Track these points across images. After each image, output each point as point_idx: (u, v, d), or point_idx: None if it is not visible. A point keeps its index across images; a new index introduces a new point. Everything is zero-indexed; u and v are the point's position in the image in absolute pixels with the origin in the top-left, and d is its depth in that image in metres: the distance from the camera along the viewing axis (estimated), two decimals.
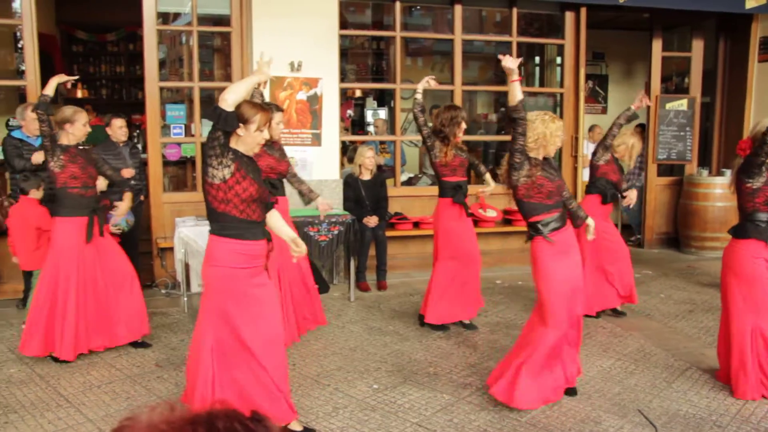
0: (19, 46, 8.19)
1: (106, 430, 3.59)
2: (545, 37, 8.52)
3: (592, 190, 5.50)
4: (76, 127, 4.48)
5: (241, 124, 3.16)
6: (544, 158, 3.80)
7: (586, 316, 5.01)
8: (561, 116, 7.62)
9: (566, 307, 3.73)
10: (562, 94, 7.61)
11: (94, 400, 3.96)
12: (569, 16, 7.44)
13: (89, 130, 4.61)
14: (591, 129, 8.62)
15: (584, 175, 7.73)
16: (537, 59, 9.36)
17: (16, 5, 7.61)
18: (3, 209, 5.71)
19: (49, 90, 4.45)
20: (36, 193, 5.09)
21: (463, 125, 5.10)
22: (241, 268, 3.24)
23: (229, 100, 3.04)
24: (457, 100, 7.15)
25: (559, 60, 8.03)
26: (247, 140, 3.23)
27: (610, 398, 3.99)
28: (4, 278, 6.03)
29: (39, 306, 4.45)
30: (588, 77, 8.75)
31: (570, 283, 3.75)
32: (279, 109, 4.73)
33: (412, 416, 3.76)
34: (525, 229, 3.88)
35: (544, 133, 3.70)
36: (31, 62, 6.03)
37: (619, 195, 5.54)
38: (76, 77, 4.53)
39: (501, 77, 9.65)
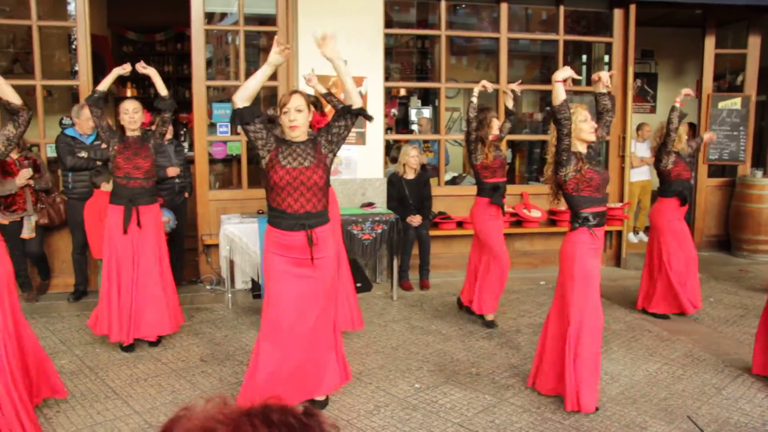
0: (73, 47, 8.42)
1: (152, 422, 3.66)
2: (592, 35, 8.37)
3: (668, 194, 5.47)
4: (121, 117, 4.66)
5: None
6: (588, 151, 3.75)
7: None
8: None
9: (594, 298, 3.70)
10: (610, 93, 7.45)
11: (141, 393, 4.04)
12: (618, 14, 7.29)
13: (134, 117, 4.66)
14: (639, 128, 8.43)
15: (632, 175, 7.59)
16: (584, 57, 9.20)
17: (71, 8, 7.83)
18: (55, 206, 5.88)
19: (103, 86, 4.56)
20: (107, 186, 5.25)
21: (495, 123, 5.18)
22: (280, 255, 3.40)
23: (236, 99, 3.31)
24: (502, 100, 7.06)
25: (606, 58, 7.87)
26: (282, 125, 3.45)
27: (656, 403, 3.90)
28: (56, 272, 6.20)
29: (101, 291, 4.65)
30: (636, 76, 8.56)
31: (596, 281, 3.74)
32: (323, 107, 4.77)
33: (453, 416, 3.73)
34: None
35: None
36: (84, 63, 6.19)
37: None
38: (127, 69, 4.60)
39: (546, 76, 9.54)
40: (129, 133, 4.67)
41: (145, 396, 4.00)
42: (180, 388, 4.13)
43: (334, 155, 3.55)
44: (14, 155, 5.62)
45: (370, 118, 3.52)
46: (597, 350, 3.72)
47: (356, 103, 3.44)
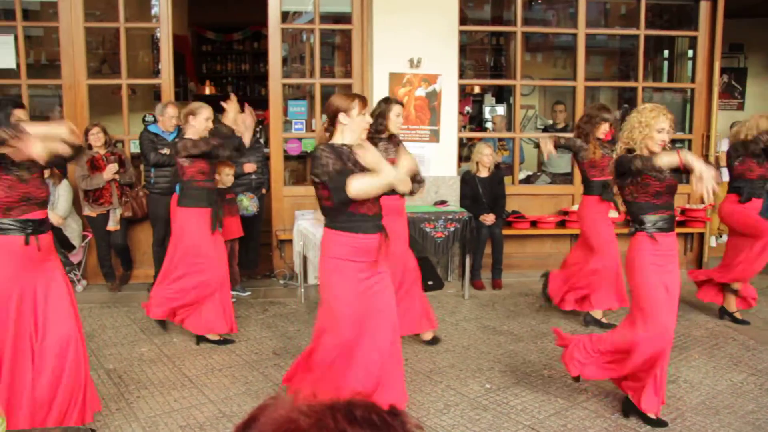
0: (156, 47, 8.72)
1: (226, 411, 3.75)
2: (676, 29, 8.07)
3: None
4: (198, 120, 4.66)
5: (342, 113, 3.32)
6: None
7: None
8: (691, 113, 7.20)
9: (665, 309, 3.52)
10: (693, 90, 7.18)
11: (215, 383, 4.15)
12: (704, 6, 6.98)
13: (211, 126, 4.75)
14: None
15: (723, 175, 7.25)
16: (665, 53, 8.87)
17: (155, 10, 8.12)
18: (138, 199, 6.11)
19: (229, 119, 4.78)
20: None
21: (603, 127, 5.07)
22: (356, 262, 3.33)
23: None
24: (579, 97, 6.92)
25: (690, 53, 7.57)
26: (353, 126, 3.34)
27: (742, 416, 3.71)
28: (137, 263, 6.44)
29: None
30: (723, 71, 8.18)
31: (665, 288, 3.56)
32: (398, 102, 4.76)
33: (524, 418, 3.67)
34: None
35: (640, 121, 3.56)
36: (166, 62, 6.40)
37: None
38: None
39: (624, 72, 9.26)
40: (196, 136, 4.71)
41: (220, 386, 4.11)
42: (253, 379, 4.22)
43: None
44: (102, 151, 5.88)
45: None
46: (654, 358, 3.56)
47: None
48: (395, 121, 4.60)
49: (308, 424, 0.66)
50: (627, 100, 8.67)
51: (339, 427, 0.65)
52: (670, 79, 8.39)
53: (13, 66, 6.45)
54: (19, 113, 3.28)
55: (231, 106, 4.77)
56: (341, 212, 3.29)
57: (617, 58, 9.64)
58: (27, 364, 3.18)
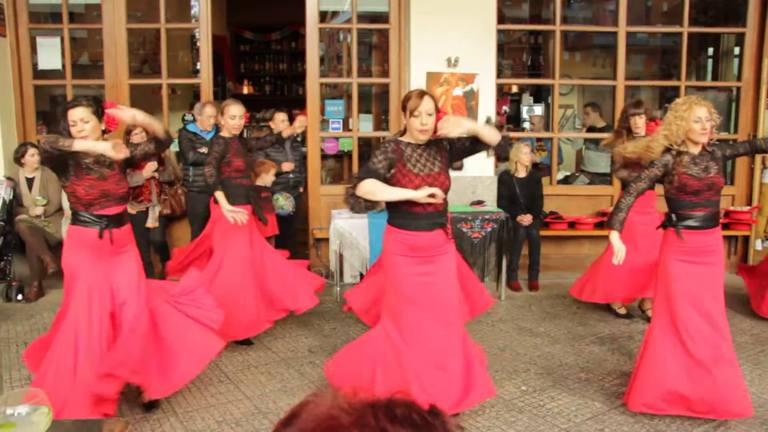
0: (196, 47, 8.84)
1: (262, 408, 3.78)
2: (721, 25, 7.88)
3: None
4: (224, 119, 4.77)
5: (402, 112, 3.42)
6: (702, 150, 3.54)
7: None
8: (737, 112, 7.03)
9: (693, 310, 3.49)
10: (739, 88, 7.00)
11: (252, 379, 4.19)
12: (754, 1, 6.79)
13: (240, 123, 4.78)
14: None
15: (765, 176, 7.07)
16: (710, 50, 8.68)
17: (194, 11, 8.24)
18: (177, 197, 6.20)
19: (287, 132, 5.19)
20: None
21: (634, 121, 5.05)
22: (410, 257, 3.38)
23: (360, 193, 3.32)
24: (620, 96, 6.80)
25: (737, 50, 7.39)
26: (409, 127, 3.41)
27: None
28: None
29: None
30: None
31: (695, 291, 3.51)
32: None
33: (560, 422, 3.63)
34: None
35: (675, 116, 3.51)
36: (206, 62, 6.48)
37: None
38: None
39: (666, 71, 9.09)
40: (228, 134, 4.78)
41: (256, 382, 4.14)
42: (288, 377, 4.24)
43: (451, 164, 3.55)
44: None
45: (501, 158, 3.51)
46: (660, 351, 3.55)
47: (495, 140, 3.36)
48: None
49: (349, 422, 0.66)
50: (669, 100, 8.49)
51: (380, 425, 0.65)
52: (715, 78, 8.21)
53: (59, 67, 6.60)
54: (72, 115, 3.37)
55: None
56: (394, 209, 3.41)
57: (658, 57, 9.47)
58: (98, 349, 3.31)
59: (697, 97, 3.57)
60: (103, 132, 3.49)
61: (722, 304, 3.61)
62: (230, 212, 4.32)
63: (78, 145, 3.19)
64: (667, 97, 8.70)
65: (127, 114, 3.46)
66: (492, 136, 3.33)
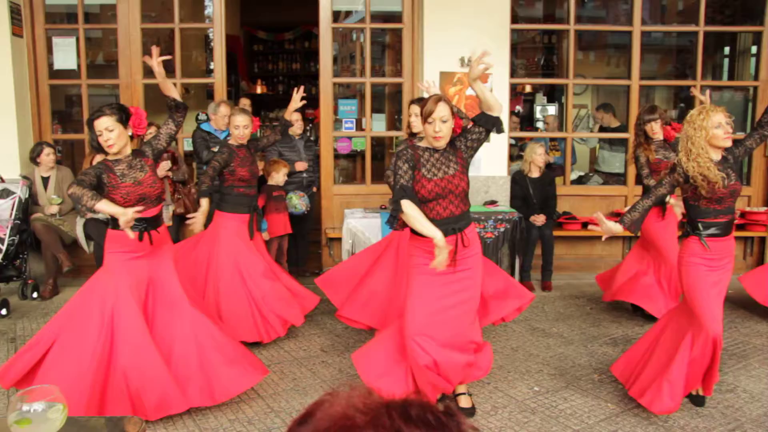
0: (209, 47, 8.88)
1: (274, 406, 3.79)
2: (738, 24, 7.81)
3: None
4: (230, 128, 4.82)
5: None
6: (723, 157, 3.50)
7: None
8: (753, 112, 6.96)
9: (718, 307, 3.49)
10: (756, 88, 6.93)
11: (264, 378, 4.19)
12: None
13: (246, 133, 4.79)
14: None
15: None
16: (726, 49, 8.61)
17: (208, 11, 8.27)
18: (190, 196, 6.22)
19: (288, 114, 5.04)
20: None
21: (650, 127, 4.99)
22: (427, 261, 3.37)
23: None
24: (634, 96, 6.77)
25: (754, 49, 7.32)
26: (425, 133, 3.39)
27: None
28: None
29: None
30: None
31: (717, 290, 3.51)
32: (414, 102, 4.82)
33: (573, 423, 3.61)
34: None
35: (694, 128, 3.46)
36: (219, 62, 6.51)
37: None
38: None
39: (681, 70, 9.02)
40: (236, 142, 4.79)
41: (268, 381, 4.15)
42: (301, 376, 4.25)
43: (471, 158, 3.53)
44: None
45: (501, 131, 3.41)
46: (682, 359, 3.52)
47: (496, 111, 3.34)
48: (415, 120, 4.63)
49: (364, 422, 0.66)
50: (683, 100, 8.46)
51: (394, 425, 0.65)
52: (731, 77, 8.14)
53: (75, 67, 6.65)
54: (98, 126, 3.45)
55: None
56: None
57: (673, 56, 9.40)
58: (148, 347, 3.44)
59: (711, 105, 3.54)
60: (131, 138, 3.54)
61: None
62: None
63: (99, 207, 3.27)
64: (681, 97, 8.64)
65: (156, 67, 3.64)
66: (494, 101, 3.30)
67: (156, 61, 3.65)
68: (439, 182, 3.34)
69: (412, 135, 4.76)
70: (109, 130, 3.40)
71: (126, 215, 3.24)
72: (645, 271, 5.12)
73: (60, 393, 1.64)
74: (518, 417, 3.68)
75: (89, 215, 5.59)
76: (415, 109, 4.64)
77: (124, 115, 3.48)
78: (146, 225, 3.54)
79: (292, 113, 5.09)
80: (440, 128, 3.31)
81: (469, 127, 3.44)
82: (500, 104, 3.36)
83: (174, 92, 3.73)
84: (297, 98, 4.93)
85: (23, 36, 6.34)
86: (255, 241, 4.87)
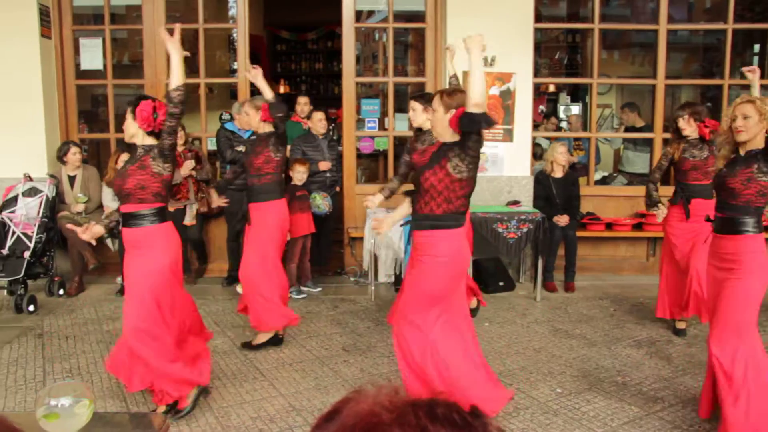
0: (233, 47, 8.94)
1: (296, 405, 3.80)
2: None
3: None
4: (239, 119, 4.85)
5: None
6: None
7: None
8: None
9: None
10: None
11: (286, 377, 4.21)
12: None
13: (251, 120, 4.85)
14: None
15: None
16: (756, 47, 8.47)
17: (232, 11, 8.33)
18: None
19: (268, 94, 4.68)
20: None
21: (680, 122, 4.87)
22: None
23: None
24: (659, 96, 6.68)
25: None
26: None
27: None
28: (211, 258, 6.61)
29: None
30: None
31: None
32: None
33: (596, 425, 3.58)
34: None
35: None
36: (243, 62, 6.55)
37: None
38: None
39: (707, 69, 8.89)
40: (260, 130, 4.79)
41: (290, 380, 4.17)
42: (323, 375, 4.26)
43: (467, 166, 3.22)
44: (179, 148, 6.07)
45: (491, 124, 3.15)
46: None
47: (474, 98, 3.05)
48: (412, 114, 4.67)
49: (390, 419, 0.66)
50: (710, 99, 8.34)
51: (420, 423, 0.66)
52: (762, 76, 8.00)
53: (101, 67, 6.74)
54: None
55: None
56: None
57: (699, 55, 9.29)
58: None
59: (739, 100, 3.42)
60: (149, 133, 3.50)
61: None
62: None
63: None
64: (708, 96, 8.52)
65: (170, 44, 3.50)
66: (477, 86, 3.07)
67: (173, 38, 3.49)
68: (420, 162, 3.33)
69: (419, 131, 4.79)
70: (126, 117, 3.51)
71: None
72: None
73: (86, 389, 1.67)
74: (540, 419, 3.66)
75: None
76: (414, 104, 4.72)
77: (134, 108, 3.48)
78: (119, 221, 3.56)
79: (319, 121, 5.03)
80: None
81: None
82: (481, 94, 3.08)
83: (175, 78, 3.47)
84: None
85: (51, 37, 6.43)
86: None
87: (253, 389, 4.03)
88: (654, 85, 6.77)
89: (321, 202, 6.05)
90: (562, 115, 8.65)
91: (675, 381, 4.13)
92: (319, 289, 6.13)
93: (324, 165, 6.20)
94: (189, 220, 6.16)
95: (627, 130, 7.37)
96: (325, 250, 6.53)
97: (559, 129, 8.34)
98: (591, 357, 4.57)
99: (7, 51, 6.15)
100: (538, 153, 7.37)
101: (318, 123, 6.31)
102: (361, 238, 6.22)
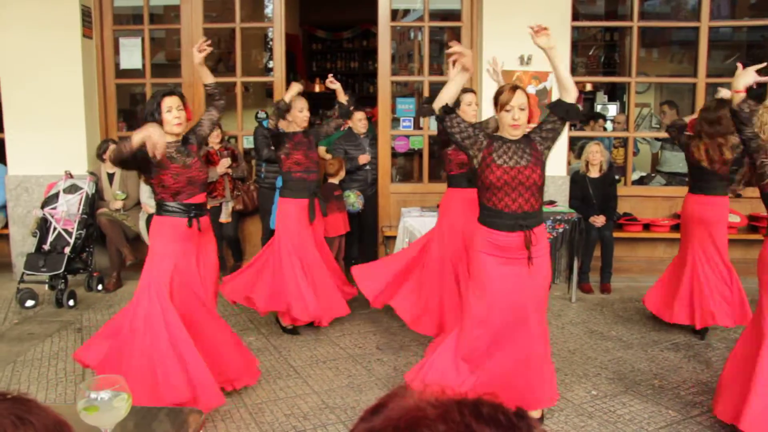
0: (269, 46, 9.02)
1: (329, 402, 3.82)
2: None
3: None
4: (293, 114, 4.87)
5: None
6: None
7: None
8: None
9: None
10: None
11: (319, 374, 4.23)
12: None
13: (306, 115, 4.94)
14: None
15: None
16: None
17: (268, 10, 8.40)
18: (249, 193, 6.33)
19: (288, 97, 4.84)
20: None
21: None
22: (493, 256, 3.29)
23: (435, 108, 3.40)
24: (700, 94, 6.55)
25: None
26: (502, 123, 3.34)
27: None
28: (247, 255, 6.67)
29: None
30: None
31: None
32: (470, 90, 4.74)
33: (632, 429, 3.52)
34: None
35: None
36: (279, 61, 6.60)
37: None
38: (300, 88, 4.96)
39: (747, 66, 8.68)
40: (293, 129, 4.89)
41: (323, 377, 4.19)
42: (356, 373, 4.27)
43: (549, 151, 3.39)
44: (216, 146, 6.15)
45: (579, 117, 3.38)
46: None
47: (571, 97, 3.27)
48: (467, 110, 4.55)
49: (435, 415, 0.67)
50: (753, 98, 8.14)
51: (465, 420, 0.66)
52: None
53: (140, 66, 6.85)
54: (169, 101, 3.55)
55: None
56: (481, 206, 3.35)
57: (743, 52, 9.07)
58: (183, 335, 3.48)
59: None
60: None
61: None
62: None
63: (136, 138, 3.22)
64: (751, 95, 8.32)
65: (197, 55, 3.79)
66: (568, 81, 3.24)
67: (200, 48, 3.81)
68: (509, 170, 3.21)
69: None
70: (179, 109, 3.52)
71: (154, 133, 3.21)
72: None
73: (125, 383, 1.69)
74: (575, 421, 3.61)
75: (151, 210, 5.74)
76: (467, 97, 4.61)
77: (184, 101, 3.61)
78: (195, 211, 3.56)
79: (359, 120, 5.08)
80: (518, 116, 3.24)
81: (544, 118, 3.36)
82: (575, 87, 3.26)
83: (209, 78, 3.86)
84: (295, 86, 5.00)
85: (92, 37, 6.56)
86: (315, 225, 4.94)
87: (287, 386, 4.06)
88: (694, 84, 6.64)
89: (355, 200, 6.07)
90: (609, 115, 8.50)
91: (714, 385, 4.03)
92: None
93: (364, 158, 6.23)
94: (225, 217, 6.23)
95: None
96: (370, 248, 6.57)
97: (605, 130, 8.23)
98: (627, 359, 4.51)
99: (50, 51, 6.28)
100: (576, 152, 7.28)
101: (359, 123, 6.37)
102: (396, 237, 6.21)
